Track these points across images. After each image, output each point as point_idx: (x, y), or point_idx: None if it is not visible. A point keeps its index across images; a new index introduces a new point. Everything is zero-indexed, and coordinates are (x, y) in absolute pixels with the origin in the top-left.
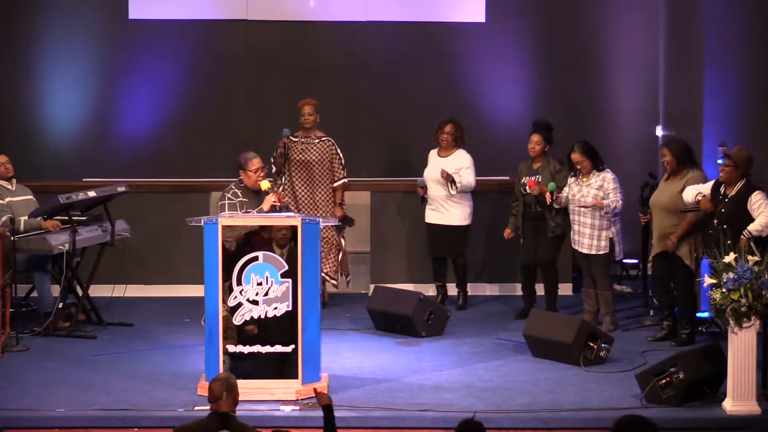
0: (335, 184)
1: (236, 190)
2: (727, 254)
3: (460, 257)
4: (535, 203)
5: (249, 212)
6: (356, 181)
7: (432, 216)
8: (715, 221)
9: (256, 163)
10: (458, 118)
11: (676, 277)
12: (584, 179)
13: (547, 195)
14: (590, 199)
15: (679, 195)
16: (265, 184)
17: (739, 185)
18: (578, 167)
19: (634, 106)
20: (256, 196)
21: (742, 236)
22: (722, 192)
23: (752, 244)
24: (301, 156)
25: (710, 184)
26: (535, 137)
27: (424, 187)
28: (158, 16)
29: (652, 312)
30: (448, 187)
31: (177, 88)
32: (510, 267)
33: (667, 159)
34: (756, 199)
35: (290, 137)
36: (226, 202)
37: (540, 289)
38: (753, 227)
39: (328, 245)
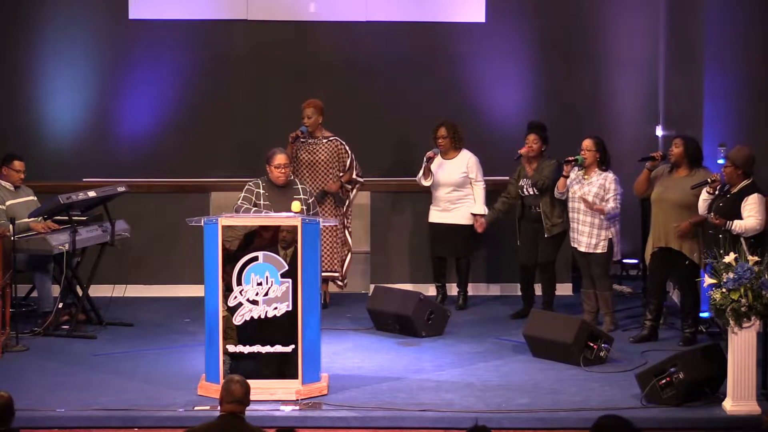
0: (353, 176)
1: (260, 182)
2: (726, 253)
3: (463, 257)
4: (533, 205)
5: (268, 204)
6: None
7: (437, 216)
8: (711, 214)
9: (279, 159)
10: (452, 118)
11: (678, 275)
12: (586, 177)
13: (571, 160)
14: (591, 197)
15: (693, 193)
16: (296, 207)
17: (742, 185)
18: (583, 154)
19: (634, 106)
20: (280, 191)
21: (714, 218)
22: (726, 189)
23: (743, 241)
24: (309, 156)
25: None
26: (532, 137)
27: (437, 154)
28: (158, 16)
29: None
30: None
31: (177, 88)
32: (510, 267)
33: (679, 151)
34: (750, 201)
35: (304, 132)
36: (244, 191)
37: (538, 289)
38: (737, 223)
39: (339, 243)
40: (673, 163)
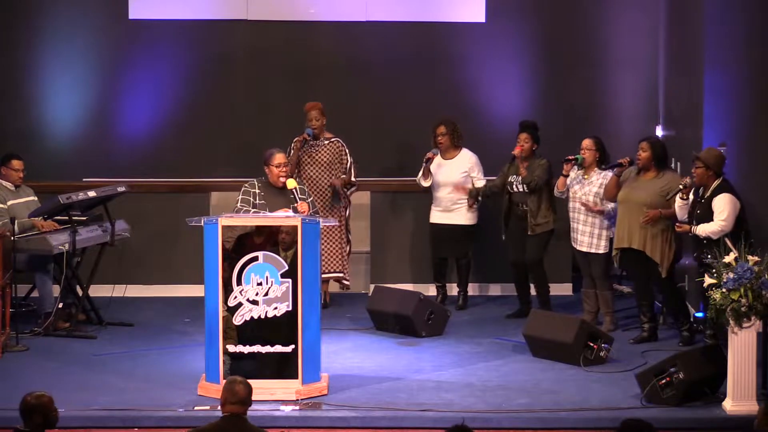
0: (351, 179)
1: (256, 182)
2: (726, 255)
3: (464, 257)
4: (521, 202)
5: (263, 204)
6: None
7: (438, 216)
8: (694, 222)
9: (278, 158)
10: (451, 117)
11: (655, 277)
12: (586, 176)
13: (570, 158)
14: (591, 197)
15: (659, 194)
16: (291, 183)
17: (714, 185)
18: (582, 153)
19: (634, 106)
20: (277, 192)
21: (678, 227)
22: (700, 193)
23: (728, 240)
24: (312, 158)
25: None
26: (523, 135)
27: (436, 155)
28: (158, 16)
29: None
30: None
31: (177, 88)
32: (510, 267)
33: (647, 154)
34: (716, 203)
35: (310, 135)
36: (241, 192)
37: (534, 289)
38: (701, 228)
39: (340, 243)
40: (641, 167)
